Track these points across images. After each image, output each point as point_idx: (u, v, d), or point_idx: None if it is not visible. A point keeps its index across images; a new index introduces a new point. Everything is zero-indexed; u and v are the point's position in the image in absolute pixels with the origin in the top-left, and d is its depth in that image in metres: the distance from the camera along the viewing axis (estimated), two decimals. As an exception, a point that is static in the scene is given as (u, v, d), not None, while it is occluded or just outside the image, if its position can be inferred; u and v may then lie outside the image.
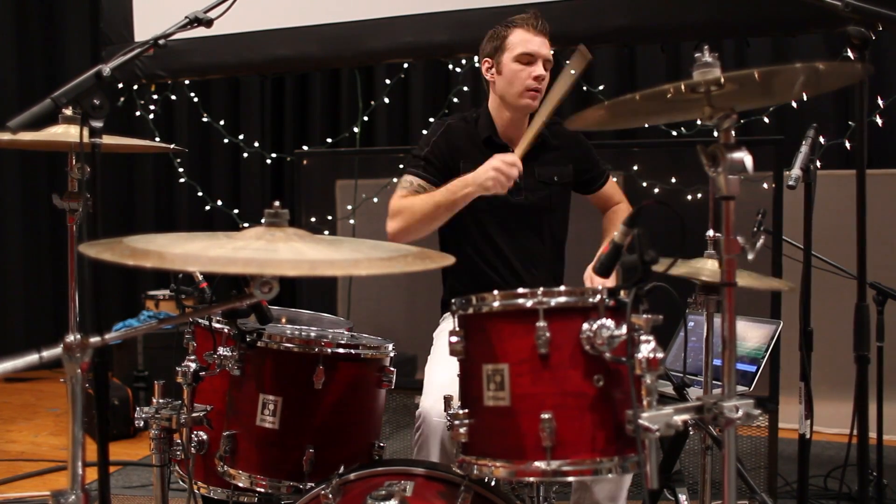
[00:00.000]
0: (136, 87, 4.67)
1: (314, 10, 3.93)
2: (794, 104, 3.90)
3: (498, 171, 2.02)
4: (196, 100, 4.97)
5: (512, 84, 2.23)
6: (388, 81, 4.73)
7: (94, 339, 1.16)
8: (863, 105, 1.76)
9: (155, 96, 4.95)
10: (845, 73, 1.40)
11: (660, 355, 1.26)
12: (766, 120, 3.96)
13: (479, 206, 2.18)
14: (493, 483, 1.54)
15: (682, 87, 1.25)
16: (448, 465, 1.61)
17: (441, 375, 2.03)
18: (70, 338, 1.14)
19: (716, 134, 1.28)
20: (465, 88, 4.58)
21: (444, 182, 2.18)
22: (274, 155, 5.14)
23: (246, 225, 4.37)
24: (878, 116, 3.67)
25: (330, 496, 1.52)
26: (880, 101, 3.69)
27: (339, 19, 3.87)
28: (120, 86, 4.58)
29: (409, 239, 2.16)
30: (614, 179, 2.52)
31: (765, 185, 3.02)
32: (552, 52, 2.27)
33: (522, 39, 2.21)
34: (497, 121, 2.32)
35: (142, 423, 1.79)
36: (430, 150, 2.27)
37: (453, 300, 1.48)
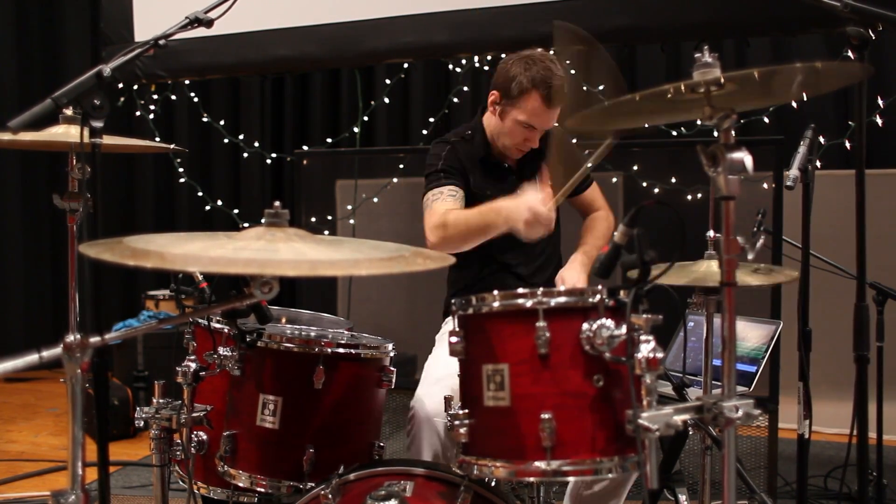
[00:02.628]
0: (136, 87, 4.67)
1: (314, 10, 3.93)
2: (794, 104, 3.89)
3: (534, 215, 1.96)
4: (196, 100, 4.97)
5: (506, 136, 2.26)
6: (388, 81, 4.73)
7: (94, 339, 1.16)
8: (862, 105, 1.76)
9: (155, 96, 4.95)
10: (844, 73, 1.40)
11: (659, 355, 1.26)
12: (766, 120, 3.96)
13: None
14: (493, 483, 1.54)
15: (682, 87, 1.25)
16: (448, 465, 1.61)
17: (436, 371, 2.04)
18: (70, 338, 1.14)
19: (716, 134, 1.28)
20: (465, 88, 4.58)
21: (467, 188, 2.23)
22: (274, 155, 5.14)
23: (246, 225, 4.38)
24: (878, 116, 3.67)
25: (330, 496, 1.52)
26: (880, 101, 3.69)
27: (339, 19, 3.87)
28: (120, 86, 4.58)
29: (453, 249, 2.10)
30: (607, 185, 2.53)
31: (765, 186, 3.02)
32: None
33: (534, 111, 2.18)
34: (491, 143, 2.34)
35: (142, 423, 1.79)
36: (444, 162, 2.27)
37: (453, 300, 1.48)
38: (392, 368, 1.81)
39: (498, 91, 2.25)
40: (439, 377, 1.98)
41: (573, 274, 2.23)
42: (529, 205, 1.98)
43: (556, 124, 2.25)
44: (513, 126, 2.23)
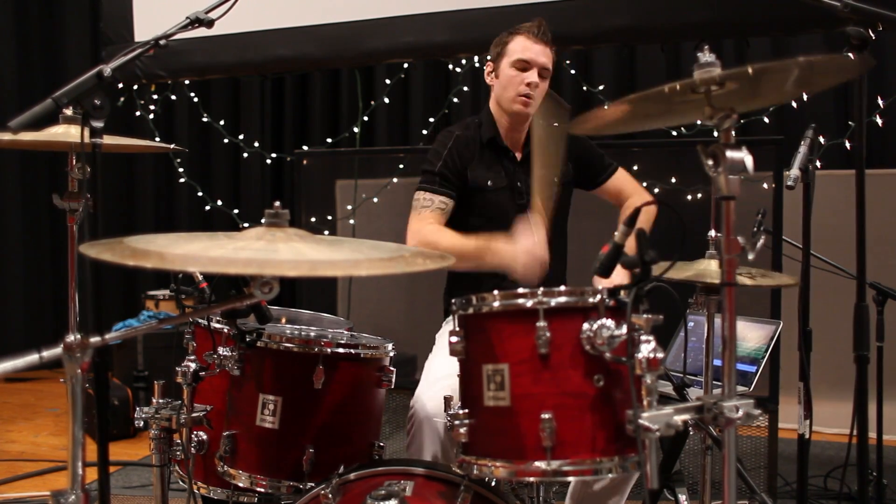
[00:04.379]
0: (136, 87, 4.67)
1: (314, 10, 3.93)
2: (794, 104, 3.90)
3: (530, 258, 1.95)
4: (196, 100, 4.97)
5: (506, 89, 2.26)
6: (388, 81, 4.73)
7: (94, 339, 1.16)
8: (862, 105, 1.76)
9: (155, 96, 4.95)
10: (841, 68, 1.40)
11: (660, 355, 1.26)
12: (766, 120, 3.96)
13: (483, 212, 2.19)
14: (493, 483, 1.54)
15: (682, 86, 1.25)
16: (448, 465, 1.61)
17: (437, 371, 2.04)
18: (70, 338, 1.14)
19: (716, 134, 1.28)
20: (465, 88, 4.58)
21: (459, 195, 2.22)
22: (274, 155, 5.14)
23: (246, 225, 4.38)
24: (878, 116, 3.67)
25: (330, 496, 1.52)
26: (880, 101, 3.69)
27: (339, 19, 3.87)
28: (120, 86, 4.58)
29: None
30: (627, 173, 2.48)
31: (765, 185, 3.02)
32: (552, 60, 2.27)
33: (522, 46, 2.23)
34: (498, 124, 2.33)
35: (142, 423, 1.79)
36: (443, 164, 2.25)
37: (453, 300, 1.48)
38: (392, 368, 1.81)
39: (490, 60, 2.32)
40: (439, 377, 1.98)
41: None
42: (525, 251, 1.96)
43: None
44: (508, 76, 2.24)
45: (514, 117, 2.29)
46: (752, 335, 2.29)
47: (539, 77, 2.23)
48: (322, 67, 4.79)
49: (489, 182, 2.27)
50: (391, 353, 1.82)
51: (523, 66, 2.22)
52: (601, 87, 4.27)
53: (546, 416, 1.33)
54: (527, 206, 2.27)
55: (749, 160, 1.23)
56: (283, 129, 5.39)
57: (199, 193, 5.06)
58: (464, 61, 4.41)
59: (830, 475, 2.95)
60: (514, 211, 2.25)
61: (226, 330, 1.74)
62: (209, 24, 1.74)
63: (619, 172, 2.44)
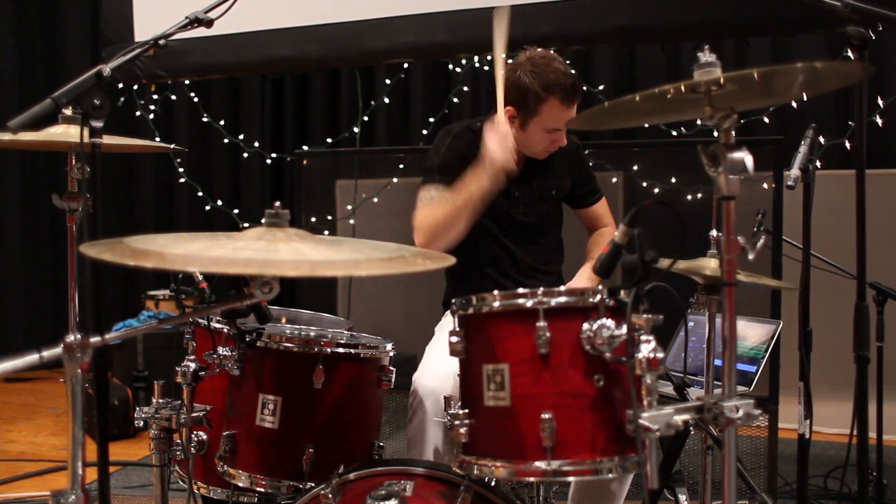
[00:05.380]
0: (136, 87, 4.67)
1: (314, 10, 3.93)
2: (794, 104, 3.89)
3: (493, 141, 2.05)
4: (196, 100, 4.97)
5: (533, 145, 2.23)
6: (388, 81, 4.73)
7: (94, 339, 1.16)
8: (862, 105, 1.76)
9: (155, 96, 4.95)
10: (845, 73, 1.40)
11: (660, 355, 1.26)
12: (766, 120, 3.96)
13: (481, 221, 2.21)
14: (493, 483, 1.54)
15: (683, 87, 1.25)
16: (448, 465, 1.61)
17: (437, 354, 2.05)
18: (70, 338, 1.14)
19: (716, 134, 1.28)
20: (465, 88, 4.58)
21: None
22: (274, 155, 5.14)
23: (246, 225, 4.38)
24: (878, 116, 3.67)
25: (330, 496, 1.52)
26: (880, 101, 3.69)
27: (339, 19, 3.86)
28: (120, 86, 4.58)
29: (440, 247, 2.09)
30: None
31: (765, 185, 3.02)
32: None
33: (556, 115, 2.15)
34: None
35: (142, 423, 1.79)
36: (442, 158, 2.25)
37: (454, 300, 1.48)
38: (392, 368, 1.81)
39: (514, 106, 2.19)
40: (439, 355, 1.98)
41: (583, 283, 2.23)
42: (487, 139, 2.06)
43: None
44: (538, 135, 2.20)
45: (532, 156, 2.29)
46: (752, 335, 2.29)
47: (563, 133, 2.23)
48: (322, 67, 4.80)
49: None
50: (391, 353, 1.82)
51: (555, 130, 2.19)
52: (601, 87, 4.26)
53: (546, 416, 1.33)
54: (523, 218, 2.29)
55: (749, 160, 1.23)
56: (283, 129, 5.39)
57: (199, 193, 5.06)
58: (464, 61, 4.41)
59: (830, 475, 2.95)
60: (510, 221, 2.28)
61: (226, 330, 1.74)
62: (209, 23, 1.74)
63: (603, 200, 2.47)
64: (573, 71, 2.20)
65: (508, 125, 2.13)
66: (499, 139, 2.06)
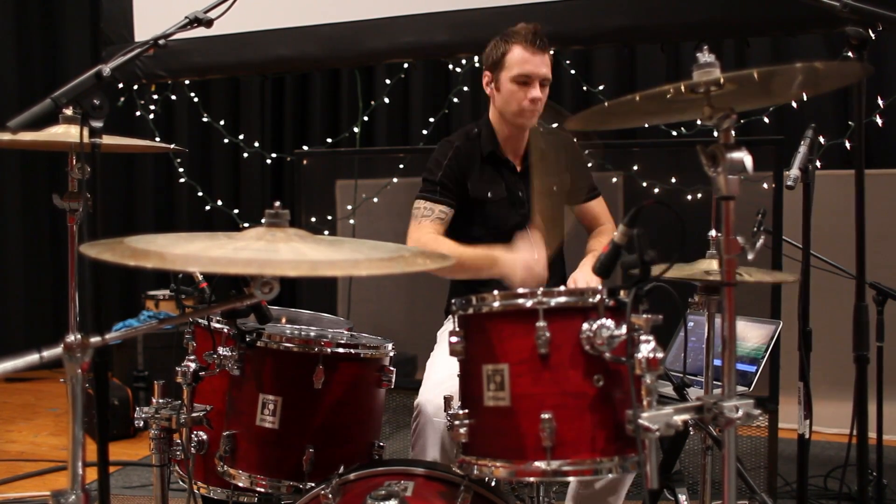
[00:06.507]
0: (136, 87, 4.67)
1: (314, 10, 3.93)
2: (794, 104, 3.89)
3: (528, 272, 1.97)
4: (196, 100, 4.97)
5: (509, 104, 2.24)
6: (388, 81, 4.73)
7: (94, 339, 1.16)
8: (862, 105, 1.76)
9: (155, 96, 4.95)
10: (844, 73, 1.40)
11: (660, 355, 1.26)
12: (766, 120, 3.96)
13: (484, 222, 2.20)
14: (493, 483, 1.54)
15: (682, 87, 1.25)
16: (448, 465, 1.61)
17: (440, 371, 2.04)
18: (70, 338, 1.14)
19: (716, 134, 1.28)
20: (465, 88, 4.58)
21: (460, 205, 2.22)
22: (274, 155, 5.14)
23: (246, 225, 4.38)
24: (878, 116, 3.67)
25: (330, 496, 1.52)
26: (880, 101, 3.69)
27: (339, 19, 3.86)
28: (120, 86, 4.58)
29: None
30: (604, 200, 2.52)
31: (765, 185, 3.02)
32: (551, 66, 2.25)
33: (520, 59, 2.19)
34: (499, 135, 2.32)
35: (142, 423, 1.79)
36: (444, 173, 2.25)
37: (453, 300, 1.48)
38: (392, 368, 1.81)
39: (487, 70, 2.28)
40: (442, 379, 1.98)
41: (585, 276, 2.23)
42: (525, 263, 1.97)
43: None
44: (510, 89, 2.21)
45: (517, 127, 2.29)
46: (751, 335, 2.29)
47: (540, 87, 2.22)
48: (322, 67, 4.80)
49: (489, 194, 2.27)
50: (391, 353, 1.82)
51: (524, 80, 2.20)
52: (601, 87, 4.27)
53: (546, 416, 1.33)
54: (528, 216, 2.29)
55: (749, 160, 1.23)
56: (283, 129, 5.39)
57: (199, 193, 5.06)
58: (464, 61, 4.41)
59: (830, 475, 2.95)
60: (514, 221, 2.27)
61: (226, 330, 1.74)
62: (208, 23, 1.74)
63: (601, 198, 2.48)
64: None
65: (542, 249, 2.04)
66: (530, 272, 1.97)
